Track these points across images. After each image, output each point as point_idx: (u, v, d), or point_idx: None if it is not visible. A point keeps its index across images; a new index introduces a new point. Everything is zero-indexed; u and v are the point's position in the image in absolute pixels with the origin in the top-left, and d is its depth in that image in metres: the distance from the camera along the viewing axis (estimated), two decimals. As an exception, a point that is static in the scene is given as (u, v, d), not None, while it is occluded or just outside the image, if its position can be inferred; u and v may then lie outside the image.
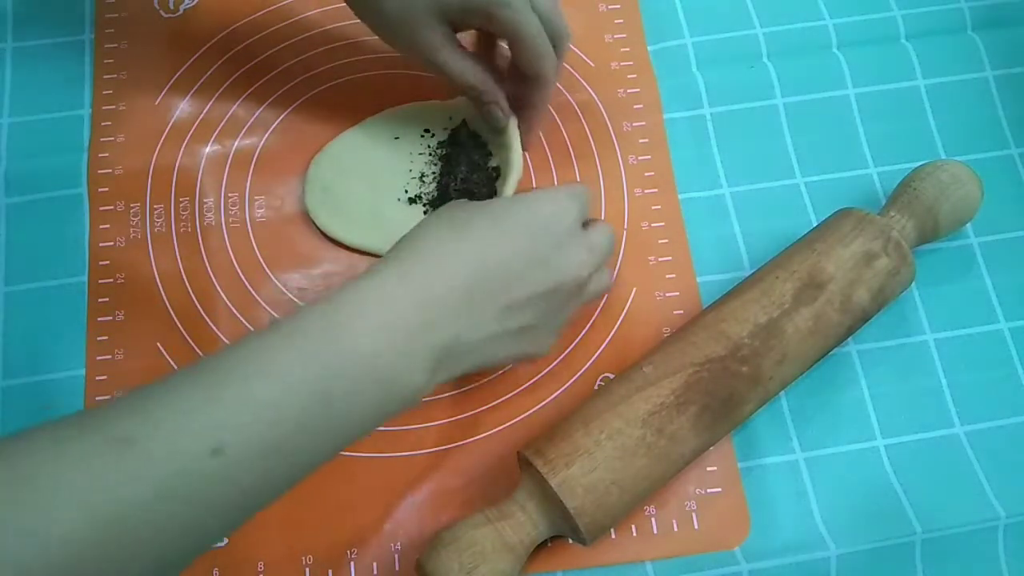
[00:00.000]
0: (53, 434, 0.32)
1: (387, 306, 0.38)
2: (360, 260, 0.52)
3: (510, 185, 0.50)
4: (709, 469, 0.48)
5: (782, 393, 0.48)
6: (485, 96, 0.50)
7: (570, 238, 0.42)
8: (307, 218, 0.53)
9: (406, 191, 0.52)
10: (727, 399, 0.44)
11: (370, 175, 0.53)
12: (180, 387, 0.34)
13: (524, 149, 0.52)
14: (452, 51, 0.49)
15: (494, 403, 0.49)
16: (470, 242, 0.40)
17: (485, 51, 0.53)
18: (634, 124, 0.56)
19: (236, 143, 0.54)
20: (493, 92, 0.50)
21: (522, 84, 0.51)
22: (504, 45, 0.50)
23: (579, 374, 0.50)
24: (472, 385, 0.50)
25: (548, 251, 0.41)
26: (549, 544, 0.46)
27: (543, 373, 0.50)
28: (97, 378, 0.49)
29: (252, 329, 0.50)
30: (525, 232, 0.41)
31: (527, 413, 0.49)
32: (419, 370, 0.38)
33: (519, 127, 0.51)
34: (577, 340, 0.51)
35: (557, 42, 0.49)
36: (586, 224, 0.44)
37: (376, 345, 0.37)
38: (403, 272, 0.39)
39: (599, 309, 0.51)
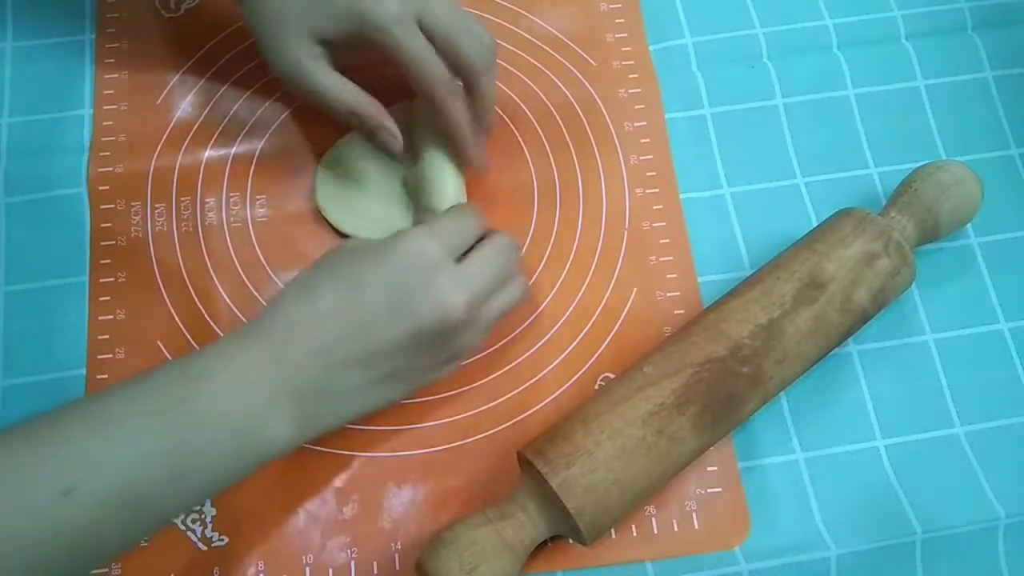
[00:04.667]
0: None
1: (239, 367, 0.39)
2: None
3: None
4: (709, 469, 0.48)
5: (782, 393, 0.48)
6: (367, 120, 0.48)
7: (430, 279, 0.42)
8: (309, 217, 0.53)
9: None
10: (727, 399, 0.44)
11: (383, 170, 0.53)
12: (27, 437, 0.35)
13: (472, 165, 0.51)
14: (324, 73, 0.47)
15: (494, 403, 0.49)
16: (325, 300, 0.41)
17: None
18: (635, 124, 0.56)
19: (237, 142, 0.54)
20: (376, 115, 0.48)
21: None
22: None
23: (579, 374, 0.50)
24: (472, 385, 0.50)
25: (403, 297, 0.41)
26: (549, 544, 0.46)
27: (543, 373, 0.50)
28: (98, 377, 0.49)
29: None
30: (380, 279, 0.41)
31: (527, 413, 0.49)
32: (279, 426, 0.39)
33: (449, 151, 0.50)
34: (577, 340, 0.51)
35: (461, 62, 0.47)
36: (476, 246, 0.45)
37: (225, 405, 0.38)
38: (257, 335, 0.40)
39: (598, 311, 0.51)
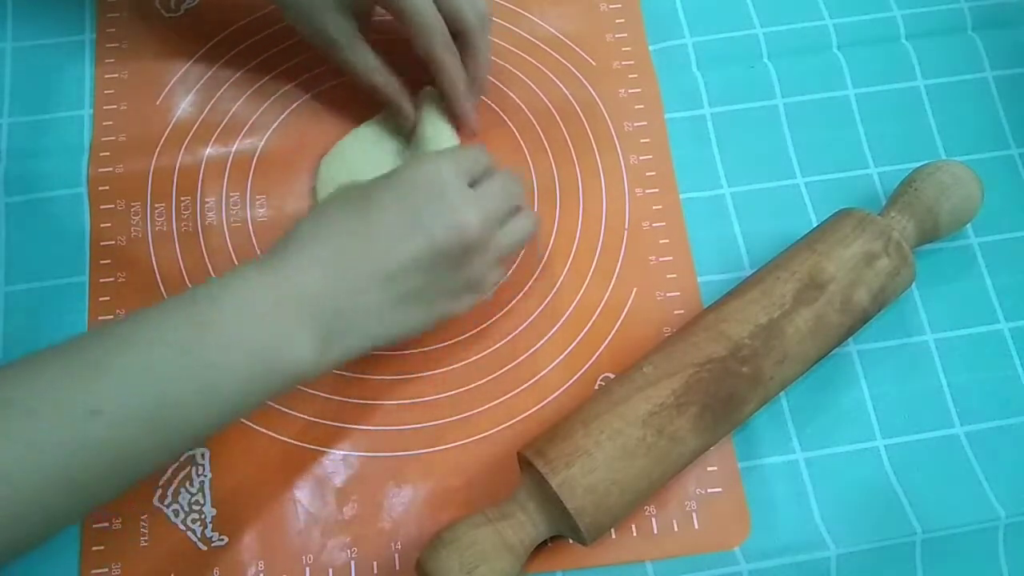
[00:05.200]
0: None
1: (256, 288, 0.39)
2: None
3: None
4: (709, 469, 0.48)
5: (782, 393, 0.48)
6: (388, 100, 0.52)
7: (444, 196, 0.42)
8: (308, 217, 0.53)
9: None
10: (727, 400, 0.44)
11: (385, 168, 0.53)
12: (54, 361, 0.36)
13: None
14: (356, 47, 0.50)
15: (494, 403, 0.49)
16: (338, 222, 0.42)
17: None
18: (635, 124, 0.56)
19: (237, 142, 0.54)
20: (395, 96, 0.52)
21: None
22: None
23: (579, 374, 0.50)
24: (472, 384, 0.50)
25: (417, 214, 0.42)
26: (549, 544, 0.46)
27: (543, 373, 0.50)
28: (98, 377, 0.49)
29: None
30: (393, 199, 0.42)
31: (527, 413, 0.49)
32: (300, 346, 0.39)
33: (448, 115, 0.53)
34: (577, 340, 0.51)
35: (460, 20, 0.49)
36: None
37: (245, 325, 0.38)
38: (273, 260, 0.40)
39: (598, 311, 0.51)
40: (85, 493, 0.36)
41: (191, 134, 0.54)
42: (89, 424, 0.34)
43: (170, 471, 0.47)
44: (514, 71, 0.57)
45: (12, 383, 0.35)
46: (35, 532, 0.35)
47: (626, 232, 0.53)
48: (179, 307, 0.38)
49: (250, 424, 0.48)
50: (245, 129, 0.55)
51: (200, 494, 0.47)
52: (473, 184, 0.45)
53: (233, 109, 0.55)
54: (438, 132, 0.52)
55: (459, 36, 0.50)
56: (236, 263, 0.52)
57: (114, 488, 0.37)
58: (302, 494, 0.47)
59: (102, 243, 0.52)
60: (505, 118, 0.56)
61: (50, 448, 0.34)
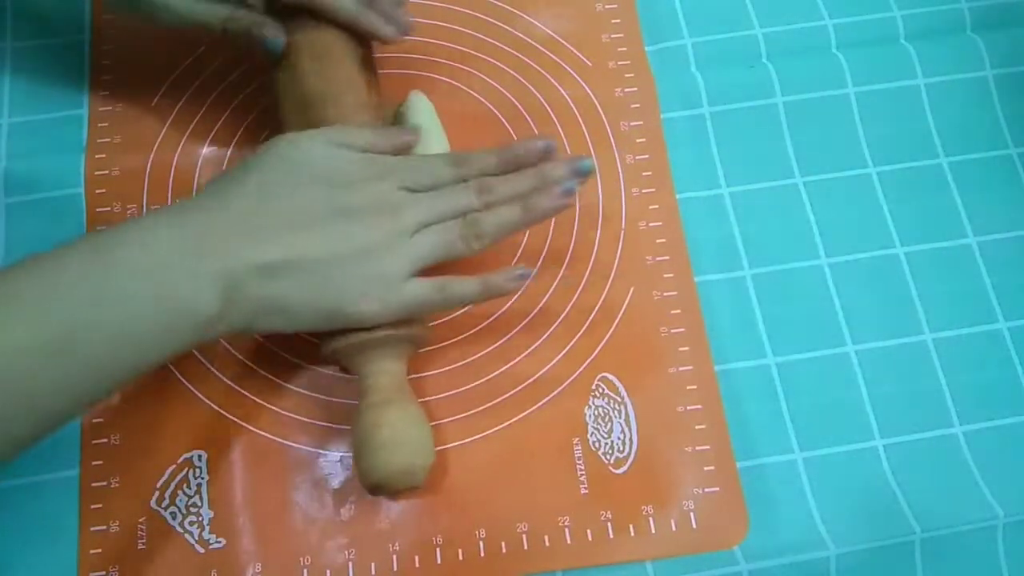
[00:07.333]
0: None
1: (160, 234, 0.39)
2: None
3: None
4: (707, 469, 0.48)
5: (782, 393, 0.49)
6: (245, 21, 0.48)
7: (334, 158, 0.44)
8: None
9: None
10: None
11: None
12: None
13: None
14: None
15: (492, 403, 0.49)
16: (248, 172, 0.42)
17: None
18: (632, 123, 0.56)
19: (234, 143, 0.54)
20: (250, 14, 0.49)
21: None
22: None
23: (577, 373, 0.50)
24: (471, 385, 0.50)
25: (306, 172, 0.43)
26: (548, 544, 0.46)
27: (541, 373, 0.50)
28: (95, 379, 0.49)
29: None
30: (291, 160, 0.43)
31: (526, 412, 0.49)
32: (205, 293, 0.39)
33: None
34: (575, 340, 0.50)
35: None
36: None
37: (148, 267, 0.38)
38: (180, 207, 0.41)
39: (595, 311, 0.51)
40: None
41: (187, 135, 0.54)
42: None
43: (167, 474, 0.47)
44: (509, 71, 0.57)
45: None
46: None
47: (623, 232, 0.53)
48: (79, 256, 0.39)
49: (247, 426, 0.48)
50: (241, 129, 0.55)
51: (197, 496, 0.47)
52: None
53: (229, 109, 0.55)
54: (426, 133, 0.51)
55: None
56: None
57: (16, 427, 0.36)
58: (300, 496, 0.47)
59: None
60: (501, 118, 0.56)
61: None
